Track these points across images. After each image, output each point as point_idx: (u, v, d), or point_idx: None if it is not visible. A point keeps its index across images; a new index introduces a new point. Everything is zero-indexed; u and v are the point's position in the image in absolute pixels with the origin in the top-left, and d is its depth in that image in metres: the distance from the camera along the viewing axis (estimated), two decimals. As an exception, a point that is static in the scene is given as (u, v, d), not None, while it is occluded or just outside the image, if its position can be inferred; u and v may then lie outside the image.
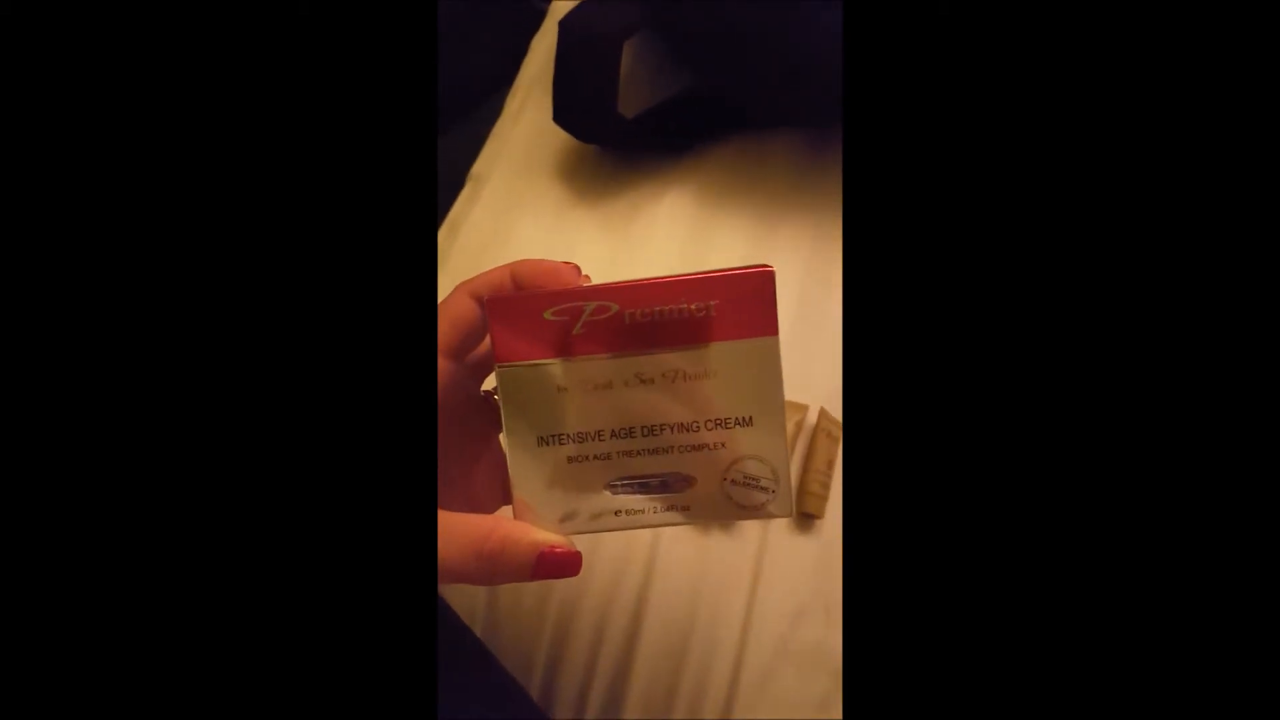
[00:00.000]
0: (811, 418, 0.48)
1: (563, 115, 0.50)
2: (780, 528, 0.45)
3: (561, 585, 0.44)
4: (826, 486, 0.46)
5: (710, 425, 0.25)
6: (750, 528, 0.45)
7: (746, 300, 0.24)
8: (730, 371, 0.25)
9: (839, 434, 0.47)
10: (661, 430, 0.25)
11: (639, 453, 0.25)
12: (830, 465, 0.46)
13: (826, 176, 0.56)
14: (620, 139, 0.53)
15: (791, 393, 0.48)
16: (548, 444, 0.25)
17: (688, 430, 0.25)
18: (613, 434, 0.25)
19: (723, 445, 0.25)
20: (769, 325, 0.25)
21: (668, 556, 0.44)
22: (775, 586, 0.44)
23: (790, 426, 0.47)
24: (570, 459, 0.26)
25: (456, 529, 0.24)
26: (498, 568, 0.24)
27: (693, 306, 0.24)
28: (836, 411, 0.48)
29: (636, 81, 0.58)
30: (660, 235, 0.53)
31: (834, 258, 0.53)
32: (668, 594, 0.43)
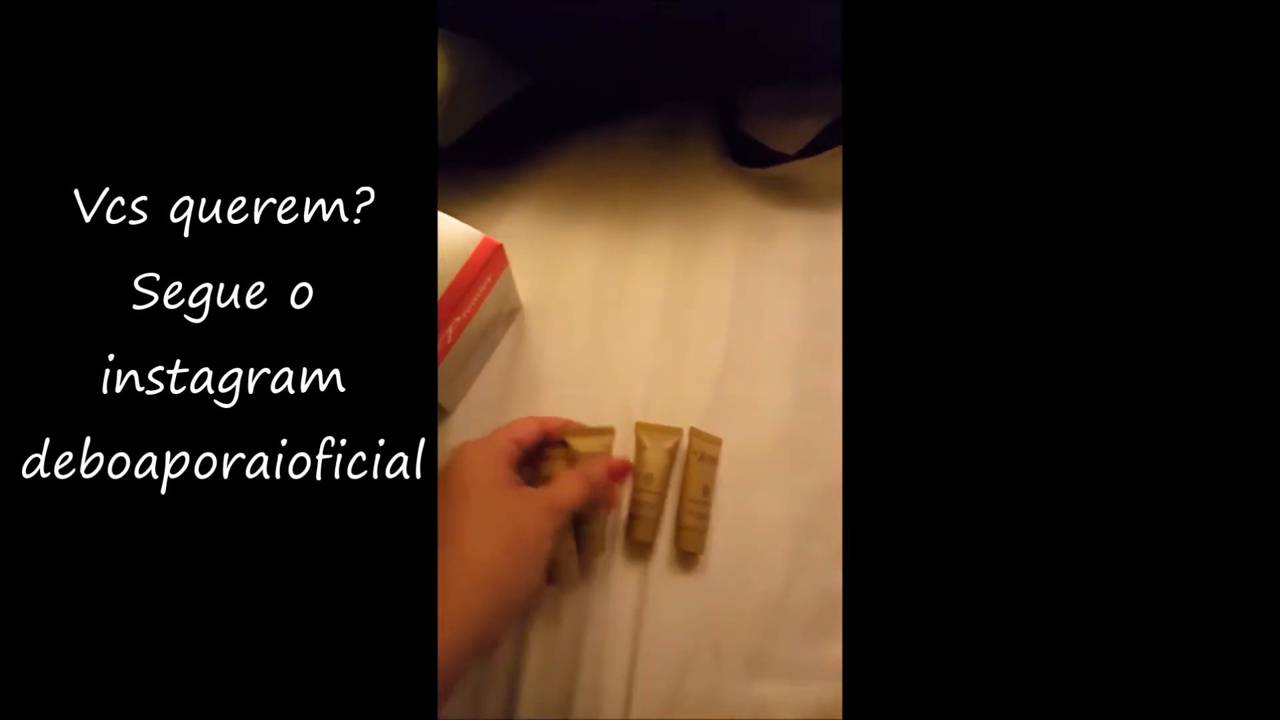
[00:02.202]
0: (685, 442, 0.44)
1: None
2: (659, 572, 0.42)
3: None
4: (705, 518, 0.42)
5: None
6: (628, 577, 0.41)
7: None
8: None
9: (716, 453, 0.44)
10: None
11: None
12: (707, 492, 0.42)
13: (681, 164, 0.51)
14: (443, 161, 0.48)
15: (660, 416, 0.44)
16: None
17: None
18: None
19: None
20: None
21: (542, 622, 0.40)
22: (658, 636, 0.40)
23: (663, 455, 0.43)
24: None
25: (550, 490, 0.36)
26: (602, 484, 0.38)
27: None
28: (711, 428, 0.44)
29: (456, 96, 0.52)
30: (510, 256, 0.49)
31: (697, 257, 0.49)
32: (546, 662, 0.40)
